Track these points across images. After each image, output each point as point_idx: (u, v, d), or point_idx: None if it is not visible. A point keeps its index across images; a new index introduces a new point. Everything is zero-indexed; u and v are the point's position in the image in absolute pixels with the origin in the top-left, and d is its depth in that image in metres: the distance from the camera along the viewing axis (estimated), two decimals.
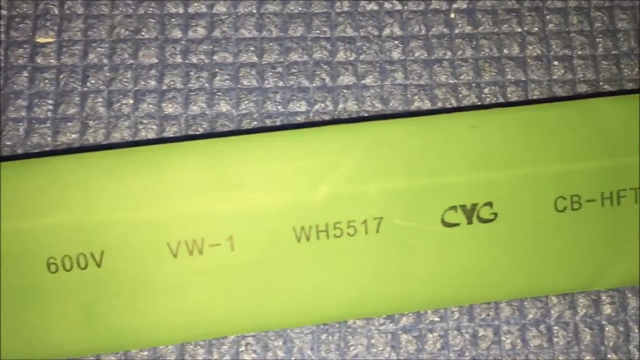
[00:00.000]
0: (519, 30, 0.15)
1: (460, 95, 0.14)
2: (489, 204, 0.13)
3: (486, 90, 0.14)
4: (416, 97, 0.14)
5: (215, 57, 0.14)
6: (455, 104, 0.14)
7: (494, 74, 0.14)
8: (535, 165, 0.13)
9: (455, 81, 0.14)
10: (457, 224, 0.13)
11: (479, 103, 0.14)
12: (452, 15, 0.15)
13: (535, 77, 0.14)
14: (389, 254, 0.13)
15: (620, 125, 0.13)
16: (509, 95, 0.14)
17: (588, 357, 0.13)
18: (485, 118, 0.13)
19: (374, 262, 0.13)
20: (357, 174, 0.13)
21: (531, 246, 0.13)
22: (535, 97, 0.14)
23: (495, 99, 0.14)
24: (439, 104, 0.14)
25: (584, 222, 0.13)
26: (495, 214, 0.13)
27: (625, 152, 0.13)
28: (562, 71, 0.14)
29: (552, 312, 0.13)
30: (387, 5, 0.15)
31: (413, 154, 0.13)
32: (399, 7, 0.15)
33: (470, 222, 0.13)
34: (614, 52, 0.15)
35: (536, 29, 0.15)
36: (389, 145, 0.13)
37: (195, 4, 0.14)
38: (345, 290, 0.13)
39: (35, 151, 0.13)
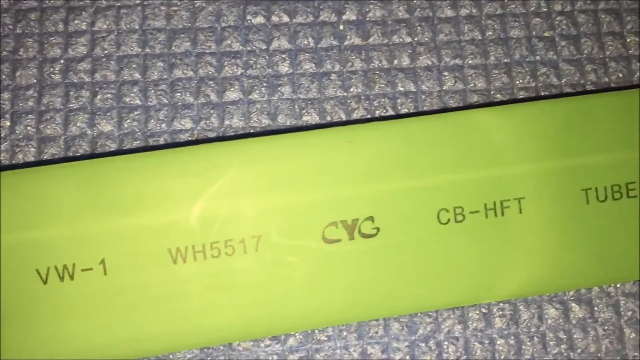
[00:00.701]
0: (409, 40, 0.15)
1: (349, 108, 0.14)
2: (370, 218, 0.13)
3: (376, 103, 0.14)
4: (304, 111, 0.14)
5: (96, 75, 0.14)
6: (344, 118, 0.14)
7: (383, 85, 0.14)
8: (417, 177, 0.13)
9: (345, 94, 0.14)
10: (338, 240, 0.13)
11: (368, 116, 0.14)
12: (341, 27, 0.15)
13: (426, 88, 0.14)
14: (270, 273, 0.13)
15: (502, 135, 0.13)
16: (399, 107, 0.14)
17: None
18: (361, 132, 0.13)
19: (254, 282, 0.13)
20: (234, 192, 0.13)
21: (416, 260, 0.13)
22: (425, 109, 0.14)
23: (385, 111, 0.14)
24: (328, 118, 0.14)
25: (469, 234, 0.13)
26: (377, 229, 0.13)
27: (506, 161, 0.13)
28: (453, 81, 0.15)
29: (442, 327, 0.13)
30: (274, 19, 0.15)
31: (291, 170, 0.13)
32: (286, 19, 0.15)
33: (351, 238, 0.13)
34: (505, 61, 0.15)
35: (426, 39, 0.15)
36: (266, 162, 0.13)
37: (76, 22, 0.14)
38: (227, 312, 0.13)
39: None
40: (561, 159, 0.13)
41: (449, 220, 0.13)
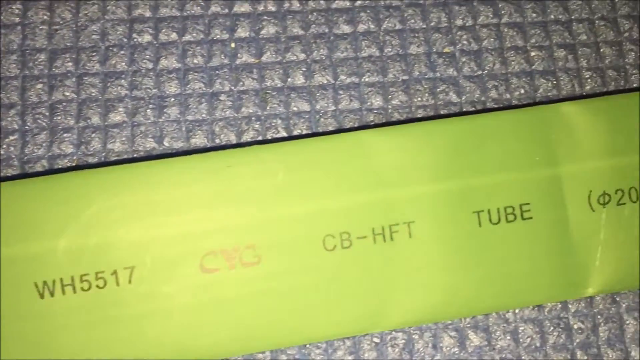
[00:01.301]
0: (304, 57, 0.14)
1: (240, 130, 0.14)
2: (252, 246, 0.12)
3: (267, 123, 0.14)
4: (192, 133, 0.14)
5: None
6: (234, 140, 0.14)
7: (276, 105, 0.14)
8: (300, 204, 0.13)
9: (235, 114, 0.14)
10: (217, 270, 0.12)
11: (260, 137, 0.14)
12: (232, 45, 0.14)
13: (320, 107, 0.14)
14: (145, 306, 0.12)
15: (391, 156, 0.13)
16: (292, 128, 0.14)
17: None
18: (241, 156, 0.12)
19: (128, 315, 0.12)
20: (105, 221, 0.12)
21: (301, 289, 0.13)
22: (320, 129, 0.14)
23: (277, 132, 0.14)
24: (217, 140, 0.14)
25: (357, 261, 0.13)
26: (259, 257, 0.12)
27: (395, 184, 0.13)
28: (349, 100, 0.14)
29: (333, 358, 0.13)
30: (162, 37, 0.14)
31: (166, 198, 0.12)
32: (175, 37, 0.14)
33: (232, 267, 0.12)
34: (403, 78, 0.14)
35: (322, 56, 0.14)
36: (142, 189, 0.12)
37: None
38: (102, 348, 0.12)
39: None
40: (452, 180, 0.13)
41: (335, 246, 0.13)
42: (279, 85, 0.14)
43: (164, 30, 0.14)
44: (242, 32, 0.14)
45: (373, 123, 0.14)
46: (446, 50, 0.15)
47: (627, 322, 0.14)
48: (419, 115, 0.14)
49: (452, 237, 0.13)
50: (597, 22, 0.15)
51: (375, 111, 0.14)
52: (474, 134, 0.13)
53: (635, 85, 0.15)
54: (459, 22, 0.15)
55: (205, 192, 0.12)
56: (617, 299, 0.14)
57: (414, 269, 0.13)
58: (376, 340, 0.13)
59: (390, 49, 0.15)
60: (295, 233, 0.13)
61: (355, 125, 0.14)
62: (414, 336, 0.13)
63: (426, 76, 0.14)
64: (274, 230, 0.12)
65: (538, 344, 0.13)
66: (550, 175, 0.13)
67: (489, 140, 0.13)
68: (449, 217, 0.13)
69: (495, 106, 0.14)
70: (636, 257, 0.13)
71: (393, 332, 0.13)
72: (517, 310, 0.13)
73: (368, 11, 0.15)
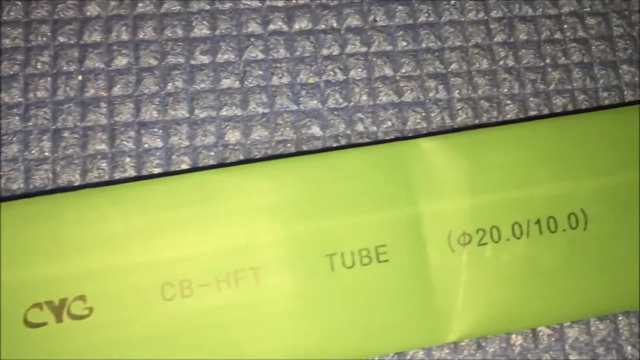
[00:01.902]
0: (156, 90, 0.14)
1: (84, 169, 0.13)
2: (82, 297, 0.12)
3: (114, 162, 0.13)
4: (30, 173, 0.13)
5: None
6: (79, 181, 0.13)
7: (125, 141, 0.14)
8: (137, 253, 0.12)
9: (80, 152, 0.13)
10: (44, 324, 0.12)
11: (106, 177, 0.13)
12: (80, 78, 0.14)
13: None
14: None
15: (233, 199, 0.12)
16: (142, 166, 0.13)
17: None
18: (72, 200, 0.12)
19: None
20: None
21: (138, 341, 0.12)
22: (173, 168, 0.14)
23: (124, 171, 0.13)
24: (59, 181, 0.13)
25: (198, 310, 0.12)
26: (90, 309, 0.12)
27: (238, 227, 0.12)
28: (204, 135, 0.14)
29: None
30: (4, 70, 0.14)
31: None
32: (17, 70, 0.14)
33: (60, 320, 0.12)
34: (263, 111, 0.14)
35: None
36: None
37: None
38: None
39: None
40: (304, 223, 0.12)
41: (174, 295, 0.12)
42: (129, 120, 0.14)
43: (4, 62, 0.14)
44: (91, 63, 0.14)
45: (229, 161, 0.14)
46: (310, 81, 0.14)
47: None
48: (280, 151, 0.14)
49: (303, 282, 0.12)
50: (470, 49, 0.15)
51: (232, 147, 0.14)
52: (328, 173, 0.13)
53: (509, 116, 0.15)
54: (325, 52, 0.15)
55: (26, 242, 0.12)
56: (483, 344, 0.13)
57: (262, 315, 0.12)
58: None
59: (251, 80, 0.14)
60: (130, 283, 0.12)
61: (210, 163, 0.14)
62: None
63: (288, 109, 0.14)
64: (107, 279, 0.12)
65: None
66: (409, 215, 0.13)
67: (343, 179, 0.13)
68: (299, 261, 0.12)
69: (361, 141, 0.14)
70: (500, 300, 0.13)
71: None
72: (376, 358, 0.13)
73: (228, 40, 0.14)
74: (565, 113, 0.15)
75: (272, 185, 0.13)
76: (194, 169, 0.13)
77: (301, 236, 0.12)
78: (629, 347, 0.13)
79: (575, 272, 0.13)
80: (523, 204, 0.13)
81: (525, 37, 0.15)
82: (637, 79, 0.15)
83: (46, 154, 0.13)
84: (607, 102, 0.15)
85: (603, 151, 0.13)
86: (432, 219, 0.13)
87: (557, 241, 0.13)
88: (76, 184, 0.13)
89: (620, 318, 0.14)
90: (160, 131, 0.14)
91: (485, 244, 0.13)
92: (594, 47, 0.15)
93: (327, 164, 0.13)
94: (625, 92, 0.15)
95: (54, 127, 0.13)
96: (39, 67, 0.14)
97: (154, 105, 0.14)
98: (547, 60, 0.15)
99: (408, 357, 0.13)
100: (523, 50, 0.15)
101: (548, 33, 0.15)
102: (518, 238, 0.13)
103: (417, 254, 0.13)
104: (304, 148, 0.14)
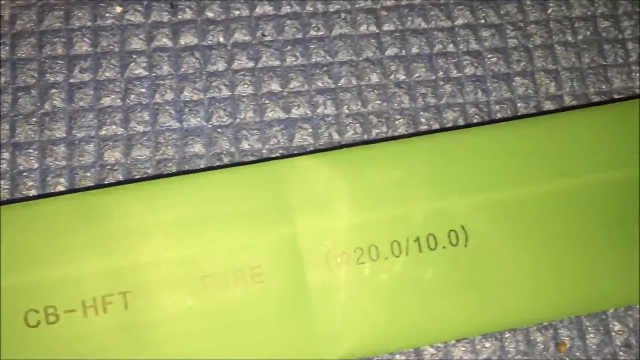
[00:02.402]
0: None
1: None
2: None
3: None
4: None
5: None
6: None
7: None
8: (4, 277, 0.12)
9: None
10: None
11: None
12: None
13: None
14: None
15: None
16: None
17: None
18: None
19: None
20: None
21: None
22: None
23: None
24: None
25: (65, 336, 0.12)
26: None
27: (119, 252, 0.12)
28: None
29: None
30: None
31: None
32: None
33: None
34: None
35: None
36: None
37: None
38: None
39: None
40: (179, 247, 0.12)
41: (39, 322, 0.12)
42: (4, 140, 0.14)
43: None
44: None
45: (107, 181, 0.14)
46: (195, 97, 0.14)
47: None
48: (160, 171, 0.14)
49: (177, 306, 0.12)
50: (361, 64, 0.15)
51: (110, 167, 0.13)
52: (206, 192, 0.13)
53: (399, 131, 0.15)
54: (211, 68, 0.14)
55: None
56: None
57: (132, 340, 0.12)
58: None
59: (133, 98, 0.14)
60: None
61: (88, 184, 0.14)
62: None
63: (171, 127, 0.14)
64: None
65: None
66: (286, 235, 0.13)
67: (218, 199, 0.13)
68: (173, 284, 0.12)
69: (245, 159, 0.14)
70: (380, 319, 0.13)
71: None
72: None
73: (109, 57, 0.14)
74: (454, 128, 0.15)
75: (150, 206, 0.13)
76: (70, 190, 0.13)
77: (175, 259, 0.13)
78: None
79: (457, 289, 0.13)
80: (402, 221, 0.13)
81: (417, 51, 0.15)
82: (530, 91, 0.15)
83: None
84: (499, 115, 0.15)
85: (483, 167, 0.13)
86: (309, 238, 0.13)
87: (437, 258, 0.13)
88: None
89: (506, 335, 0.14)
90: (36, 152, 0.14)
91: (364, 262, 0.13)
92: (487, 59, 0.15)
93: (204, 184, 0.13)
94: (519, 105, 0.15)
95: None
96: None
97: (30, 126, 0.14)
98: (439, 74, 0.15)
99: None
100: (414, 64, 0.15)
101: (440, 46, 0.15)
102: (397, 256, 0.13)
103: (294, 273, 0.13)
104: (186, 167, 0.14)
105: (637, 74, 0.15)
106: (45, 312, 0.12)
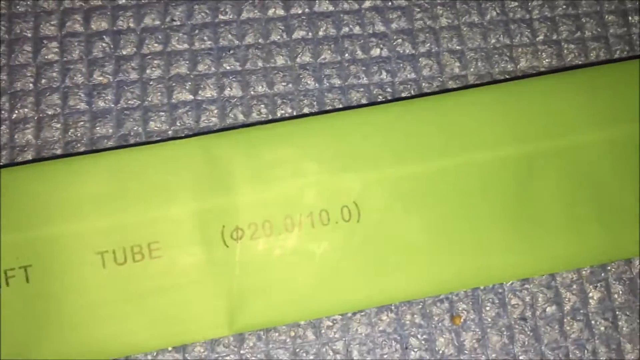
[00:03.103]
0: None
1: None
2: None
3: None
4: None
5: None
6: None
7: None
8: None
9: None
10: None
11: None
12: None
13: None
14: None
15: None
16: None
17: None
18: None
19: None
20: None
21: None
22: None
23: None
24: None
25: None
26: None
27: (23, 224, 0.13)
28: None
29: None
30: None
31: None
32: None
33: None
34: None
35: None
36: None
37: None
38: None
39: None
40: (71, 223, 0.13)
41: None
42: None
43: None
44: None
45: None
46: (104, 81, 0.15)
47: None
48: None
49: (75, 280, 0.13)
50: (268, 46, 0.15)
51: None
52: (107, 173, 0.14)
53: (305, 110, 0.15)
54: (120, 52, 0.15)
55: None
56: (263, 335, 0.14)
57: (38, 314, 0.13)
58: None
59: (44, 82, 0.15)
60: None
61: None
62: None
63: (80, 109, 0.15)
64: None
65: None
66: (182, 212, 0.14)
67: (120, 178, 0.14)
68: (69, 259, 0.13)
69: (153, 139, 0.15)
70: (276, 292, 0.14)
71: None
72: (155, 353, 0.14)
73: (22, 43, 0.15)
74: (361, 106, 0.16)
75: (59, 184, 0.14)
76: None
77: (71, 236, 0.13)
78: (412, 339, 0.14)
79: (351, 262, 0.14)
80: (295, 198, 0.14)
81: (324, 33, 0.16)
82: (435, 71, 0.16)
83: None
84: (403, 94, 0.16)
85: (373, 146, 0.14)
86: (205, 215, 0.14)
87: (330, 233, 0.14)
88: None
89: (402, 308, 0.14)
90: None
91: (258, 238, 0.14)
92: (394, 41, 0.16)
93: (112, 162, 0.14)
94: (423, 85, 0.16)
95: None
96: None
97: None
98: (346, 55, 0.16)
99: (190, 351, 0.14)
100: (321, 46, 0.16)
101: (347, 29, 0.16)
102: (290, 231, 0.14)
103: (190, 249, 0.14)
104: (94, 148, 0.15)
105: (543, 54, 0.16)
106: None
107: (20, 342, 0.13)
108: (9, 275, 0.13)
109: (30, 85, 0.15)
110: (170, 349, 0.14)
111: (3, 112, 0.15)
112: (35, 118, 0.15)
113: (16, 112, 0.15)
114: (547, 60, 0.16)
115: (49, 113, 0.15)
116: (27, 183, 0.14)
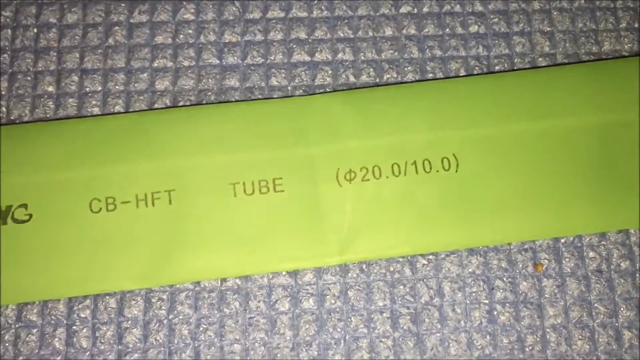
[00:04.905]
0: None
1: None
2: (24, 205, 0.16)
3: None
4: None
5: None
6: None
7: None
8: (69, 170, 0.16)
9: None
10: None
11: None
12: None
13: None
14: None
15: (165, 134, 0.16)
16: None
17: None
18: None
19: None
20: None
21: (68, 246, 0.16)
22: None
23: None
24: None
25: (120, 223, 0.16)
26: (30, 215, 0.16)
27: (161, 156, 0.16)
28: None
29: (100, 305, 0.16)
30: None
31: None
32: None
33: (4, 223, 0.16)
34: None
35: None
36: None
37: None
38: None
39: None
40: (214, 154, 0.17)
41: (100, 209, 0.16)
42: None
43: None
44: None
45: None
46: (233, 39, 0.18)
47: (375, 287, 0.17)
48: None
49: (210, 205, 0.16)
50: (377, 18, 0.19)
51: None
52: (239, 119, 0.17)
53: (407, 79, 0.18)
54: (248, 16, 0.18)
55: None
56: (365, 268, 0.17)
57: (177, 233, 0.16)
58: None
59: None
60: (65, 196, 0.16)
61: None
62: (181, 296, 0.16)
63: (213, 64, 0.18)
64: (46, 192, 0.16)
65: (291, 310, 0.17)
66: (303, 154, 0.17)
67: (249, 124, 0.17)
68: (207, 187, 0.16)
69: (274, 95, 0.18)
70: (381, 229, 0.16)
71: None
72: (271, 276, 0.17)
73: None
74: (454, 77, 0.18)
75: (191, 126, 0.17)
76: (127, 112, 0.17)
77: (210, 166, 0.17)
78: (497, 281, 0.17)
79: (447, 206, 0.17)
80: (402, 148, 0.17)
81: (428, 10, 0.19)
82: (526, 49, 0.18)
83: None
84: (497, 68, 0.18)
85: (475, 107, 0.17)
86: (322, 158, 0.17)
87: (431, 180, 0.17)
88: None
89: (490, 254, 0.17)
90: (100, 77, 0.18)
91: (368, 180, 0.17)
92: (490, 20, 0.19)
93: (242, 111, 0.17)
94: (516, 60, 0.18)
95: None
96: None
97: (96, 56, 0.18)
98: (447, 30, 0.19)
99: (302, 277, 0.17)
100: (425, 21, 0.19)
101: (449, 7, 0.19)
102: (397, 176, 0.17)
103: (309, 186, 0.17)
104: (223, 97, 0.18)
105: (625, 39, 0.19)
106: (106, 202, 0.16)
107: (161, 253, 0.16)
108: (155, 197, 0.16)
109: (170, 39, 0.18)
110: (284, 273, 0.17)
111: (145, 60, 0.18)
112: (173, 68, 0.18)
113: (156, 62, 0.18)
114: (628, 45, 0.19)
115: (185, 65, 0.18)
116: (166, 127, 0.17)
